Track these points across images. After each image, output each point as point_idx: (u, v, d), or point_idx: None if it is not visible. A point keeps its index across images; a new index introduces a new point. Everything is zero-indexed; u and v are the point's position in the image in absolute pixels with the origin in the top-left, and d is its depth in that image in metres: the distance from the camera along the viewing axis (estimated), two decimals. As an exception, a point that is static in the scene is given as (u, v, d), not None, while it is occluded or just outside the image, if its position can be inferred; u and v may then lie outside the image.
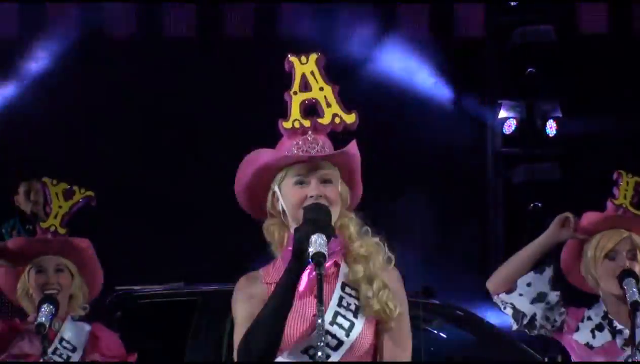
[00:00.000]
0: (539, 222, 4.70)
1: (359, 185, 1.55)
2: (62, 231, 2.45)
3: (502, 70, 7.40)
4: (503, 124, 7.17)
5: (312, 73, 1.50)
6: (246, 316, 1.40)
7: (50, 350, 2.35)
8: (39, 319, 2.24)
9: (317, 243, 1.28)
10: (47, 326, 2.25)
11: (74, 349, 2.42)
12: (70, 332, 2.43)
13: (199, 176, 6.64)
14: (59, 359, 2.40)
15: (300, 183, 1.43)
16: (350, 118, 1.49)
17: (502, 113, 7.15)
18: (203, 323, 3.92)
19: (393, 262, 1.49)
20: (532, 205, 6.95)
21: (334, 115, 1.49)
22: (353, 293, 1.44)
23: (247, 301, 1.44)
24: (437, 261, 6.32)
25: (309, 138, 1.46)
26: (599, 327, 2.15)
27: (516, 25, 7.16)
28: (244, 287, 1.48)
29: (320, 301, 1.28)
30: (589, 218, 2.17)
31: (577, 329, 2.17)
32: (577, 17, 7.29)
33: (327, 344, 1.34)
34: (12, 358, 2.40)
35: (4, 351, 2.41)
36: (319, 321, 1.27)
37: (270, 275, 1.47)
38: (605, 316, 2.16)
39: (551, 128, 7.07)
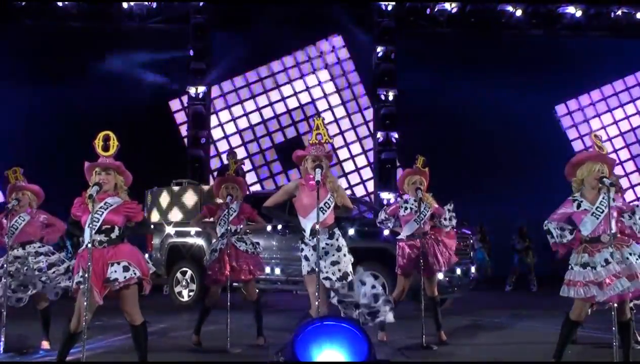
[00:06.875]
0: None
1: (331, 162, 4.76)
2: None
3: None
4: None
5: (318, 126, 4.72)
6: (282, 191, 4.77)
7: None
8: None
9: (317, 174, 4.48)
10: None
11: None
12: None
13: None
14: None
15: (313, 161, 4.63)
16: (329, 141, 4.68)
17: None
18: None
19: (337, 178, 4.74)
20: None
21: (325, 138, 4.71)
22: (329, 193, 4.66)
23: (286, 187, 4.79)
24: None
25: (317, 146, 4.67)
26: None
27: None
28: (290, 182, 4.84)
29: (318, 197, 4.51)
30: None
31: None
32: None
33: (324, 207, 4.57)
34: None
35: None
36: (320, 204, 4.51)
37: (298, 181, 4.75)
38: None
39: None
